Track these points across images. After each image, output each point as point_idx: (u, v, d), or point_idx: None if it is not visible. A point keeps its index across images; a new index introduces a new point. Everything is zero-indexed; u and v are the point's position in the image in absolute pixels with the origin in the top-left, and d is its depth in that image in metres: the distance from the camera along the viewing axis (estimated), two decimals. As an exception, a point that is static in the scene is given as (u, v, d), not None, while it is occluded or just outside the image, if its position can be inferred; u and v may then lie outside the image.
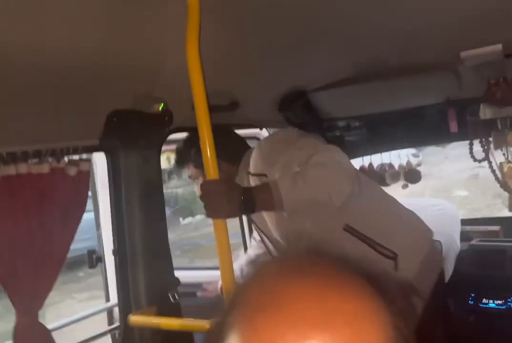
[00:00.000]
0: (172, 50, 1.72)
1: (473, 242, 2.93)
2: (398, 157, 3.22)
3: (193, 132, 2.11)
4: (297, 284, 0.58)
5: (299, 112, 2.68)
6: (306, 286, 0.57)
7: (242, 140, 2.34)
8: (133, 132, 1.97)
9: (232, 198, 1.60)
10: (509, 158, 2.52)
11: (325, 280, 0.59)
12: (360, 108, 2.87)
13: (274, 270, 0.64)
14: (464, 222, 3.11)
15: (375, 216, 2.05)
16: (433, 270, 2.20)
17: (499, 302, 2.63)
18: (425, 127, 2.93)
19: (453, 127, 2.80)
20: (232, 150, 2.20)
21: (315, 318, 0.54)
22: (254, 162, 2.07)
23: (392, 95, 2.63)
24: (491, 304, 2.64)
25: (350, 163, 1.97)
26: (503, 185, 2.59)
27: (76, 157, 1.83)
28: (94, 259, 1.95)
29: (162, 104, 1.96)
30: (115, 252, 2.06)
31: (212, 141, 1.56)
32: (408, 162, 3.20)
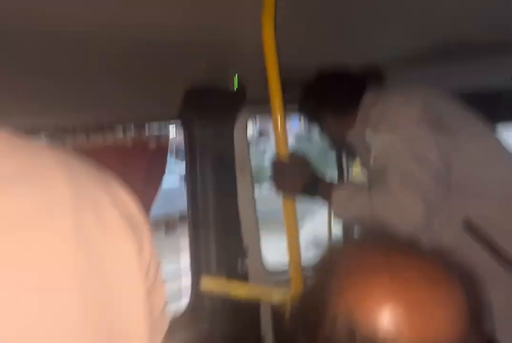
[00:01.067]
0: (247, 25, 1.75)
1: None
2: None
3: (317, 81, 1.94)
4: (405, 257, 0.68)
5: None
6: (413, 259, 0.67)
7: (356, 84, 1.87)
8: (208, 107, 2.04)
9: (295, 183, 1.64)
10: None
11: (426, 256, 0.69)
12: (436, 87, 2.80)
13: (376, 245, 0.73)
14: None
15: (505, 210, 1.61)
16: None
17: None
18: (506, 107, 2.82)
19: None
20: (340, 99, 1.85)
21: (425, 284, 0.63)
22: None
23: (468, 73, 2.56)
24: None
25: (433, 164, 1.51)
26: None
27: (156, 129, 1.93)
28: (170, 226, 2.06)
29: (237, 79, 2.01)
30: (188, 220, 2.18)
31: (284, 118, 1.60)
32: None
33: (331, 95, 1.86)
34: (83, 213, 0.63)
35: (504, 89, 2.82)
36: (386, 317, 0.61)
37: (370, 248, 0.72)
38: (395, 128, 1.61)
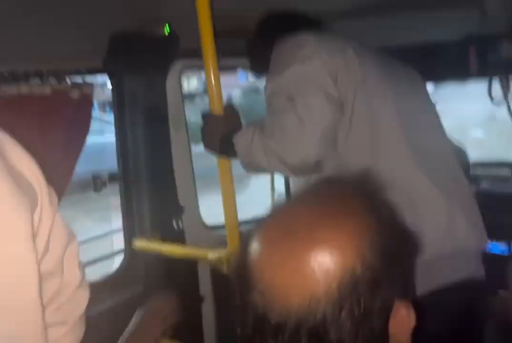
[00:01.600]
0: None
1: (483, 185, 2.87)
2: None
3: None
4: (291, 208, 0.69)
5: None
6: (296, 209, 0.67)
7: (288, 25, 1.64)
8: (137, 55, 1.92)
9: (213, 139, 1.59)
10: (529, 100, 2.43)
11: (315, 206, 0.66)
12: (373, 40, 2.75)
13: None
14: (474, 165, 3.05)
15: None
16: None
17: (503, 247, 2.61)
18: (442, 63, 2.81)
19: (473, 64, 2.69)
20: (265, 39, 1.68)
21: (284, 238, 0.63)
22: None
23: (408, 27, 2.51)
24: (495, 248, 2.62)
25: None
26: (520, 127, 2.52)
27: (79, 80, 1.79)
28: (99, 183, 1.98)
29: (168, 27, 1.90)
30: (118, 177, 2.08)
31: (217, 72, 1.54)
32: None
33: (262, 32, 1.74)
34: None
35: (439, 45, 2.79)
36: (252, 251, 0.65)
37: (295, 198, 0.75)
38: (286, 63, 1.47)
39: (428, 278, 1.30)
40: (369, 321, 0.61)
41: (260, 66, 1.77)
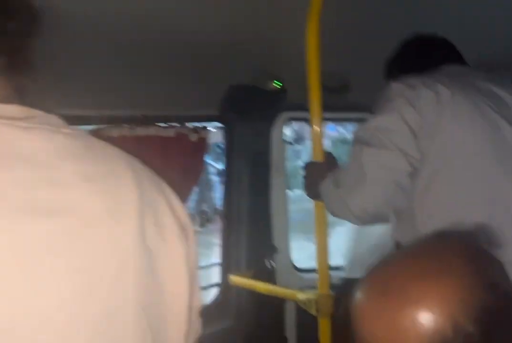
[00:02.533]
0: (290, 29, 1.81)
1: None
2: None
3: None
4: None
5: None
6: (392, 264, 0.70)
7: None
8: (248, 106, 2.12)
9: (312, 185, 1.65)
10: None
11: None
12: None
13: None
14: None
15: None
16: None
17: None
18: None
19: None
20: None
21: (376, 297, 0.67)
22: None
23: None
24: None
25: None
26: None
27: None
28: (204, 219, 2.14)
29: (277, 82, 2.08)
30: (223, 215, 2.24)
31: (320, 124, 1.63)
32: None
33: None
34: (145, 216, 0.69)
35: None
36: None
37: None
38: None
39: None
40: None
41: None
